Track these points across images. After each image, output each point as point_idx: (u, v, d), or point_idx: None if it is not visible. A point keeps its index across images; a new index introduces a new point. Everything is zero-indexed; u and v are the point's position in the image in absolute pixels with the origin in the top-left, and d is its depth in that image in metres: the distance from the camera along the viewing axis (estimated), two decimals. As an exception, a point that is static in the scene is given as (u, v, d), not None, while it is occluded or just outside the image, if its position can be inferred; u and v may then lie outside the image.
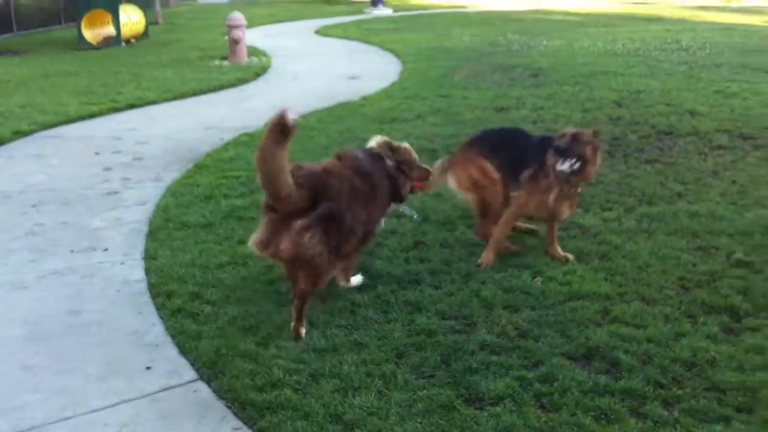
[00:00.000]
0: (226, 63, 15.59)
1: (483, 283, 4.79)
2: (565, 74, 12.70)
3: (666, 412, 3.45)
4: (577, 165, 4.85)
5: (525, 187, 5.09)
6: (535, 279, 4.87)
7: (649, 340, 4.06)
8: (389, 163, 4.73)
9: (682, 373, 3.76)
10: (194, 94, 12.23)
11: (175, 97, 11.85)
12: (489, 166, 5.27)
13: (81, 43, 19.17)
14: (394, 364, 3.88)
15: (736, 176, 6.93)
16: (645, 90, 11.04)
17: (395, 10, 33.02)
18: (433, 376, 3.78)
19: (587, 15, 27.30)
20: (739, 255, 5.14)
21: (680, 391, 3.60)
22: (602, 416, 3.42)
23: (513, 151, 5.26)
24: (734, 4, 30.82)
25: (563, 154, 4.86)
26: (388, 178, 4.70)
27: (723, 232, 5.57)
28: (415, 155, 4.94)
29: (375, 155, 4.73)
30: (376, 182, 4.56)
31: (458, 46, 17.60)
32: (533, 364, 3.87)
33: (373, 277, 4.90)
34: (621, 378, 3.72)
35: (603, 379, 3.71)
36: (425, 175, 4.99)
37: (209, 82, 13.12)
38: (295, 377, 3.74)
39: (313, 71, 15.06)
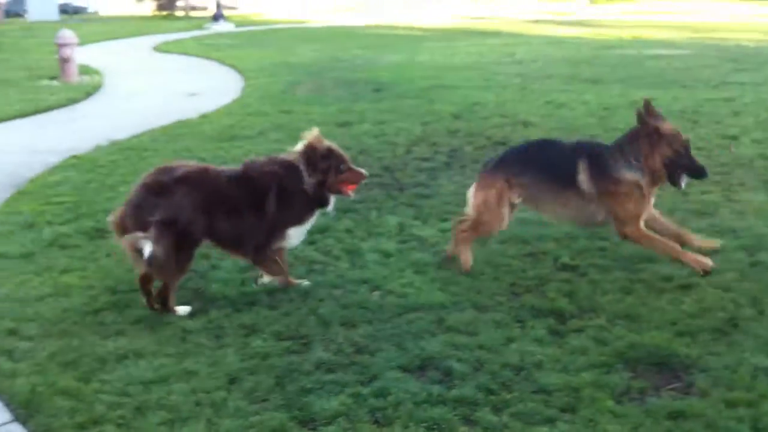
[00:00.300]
0: (55, 83, 14.90)
1: (321, 300, 4.75)
2: (406, 88, 12.95)
3: (496, 418, 3.51)
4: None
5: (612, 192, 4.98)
6: (374, 293, 4.87)
7: (480, 347, 4.14)
8: (304, 173, 4.74)
9: (512, 378, 3.85)
10: (20, 116, 11.54)
11: (1, 120, 11.15)
12: (507, 190, 5.18)
13: None
14: (226, 390, 3.76)
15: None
16: (481, 102, 11.42)
17: (237, 26, 32.75)
18: (266, 400, 3.69)
19: (429, 30, 28.07)
20: (565, 259, 5.36)
21: (509, 396, 3.68)
22: (434, 426, 3.44)
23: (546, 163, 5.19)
24: (565, 18, 32.55)
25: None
26: (296, 188, 4.71)
27: (550, 237, 5.80)
28: (346, 157, 4.93)
29: (284, 165, 4.77)
30: (261, 194, 4.63)
31: (301, 62, 17.62)
32: (368, 379, 3.85)
33: (206, 302, 4.75)
34: (454, 387, 3.76)
35: (436, 389, 3.74)
36: (357, 178, 4.93)
37: (36, 103, 12.45)
38: (118, 412, 3.55)
39: (149, 89, 14.65)
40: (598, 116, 10.21)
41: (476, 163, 8.05)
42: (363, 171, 5.00)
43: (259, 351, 4.12)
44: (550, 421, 3.48)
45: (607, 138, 8.83)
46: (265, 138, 9.41)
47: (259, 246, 4.80)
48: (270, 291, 4.90)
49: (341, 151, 4.95)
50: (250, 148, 8.79)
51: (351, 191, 5.01)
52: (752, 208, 6.25)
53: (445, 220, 6.26)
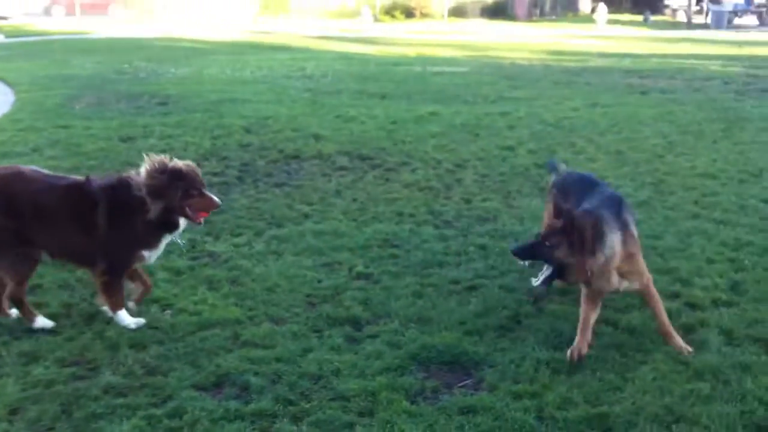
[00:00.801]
0: None
1: (108, 323, 4.51)
2: (194, 101, 12.66)
3: (295, 427, 3.51)
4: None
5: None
6: (165, 312, 4.70)
7: (278, 360, 4.12)
8: (143, 192, 4.36)
9: (310, 387, 3.86)
10: None
11: None
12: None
13: None
14: (7, 422, 3.49)
15: (357, 195, 7.40)
16: (273, 116, 11.38)
17: (7, 36, 30.55)
18: (52, 429, 3.46)
19: (217, 43, 27.62)
20: (360, 268, 5.46)
21: (308, 405, 3.70)
22: (234, 442, 3.38)
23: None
24: (350, 35, 33.32)
25: None
26: (129, 207, 4.38)
27: (345, 247, 5.89)
28: (199, 181, 4.50)
29: (120, 180, 4.47)
30: (88, 207, 4.37)
31: (80, 74, 16.70)
32: (162, 400, 3.71)
33: (-21, 330, 4.36)
34: (251, 401, 3.72)
35: (233, 404, 3.67)
36: (208, 205, 4.52)
37: None
38: None
39: None
40: (386, 129, 10.51)
41: (269, 177, 8.06)
42: (216, 199, 4.58)
43: (42, 379, 3.86)
44: (349, 426, 3.53)
45: (395, 150, 9.17)
46: (40, 155, 8.81)
47: (109, 267, 4.46)
48: (53, 315, 4.59)
49: (196, 174, 4.52)
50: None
51: (201, 218, 4.58)
52: (529, 213, 6.69)
53: (238, 234, 6.18)
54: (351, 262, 5.59)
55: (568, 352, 4.11)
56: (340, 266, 5.54)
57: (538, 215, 6.61)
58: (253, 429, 3.49)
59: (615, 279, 4.19)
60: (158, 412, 3.58)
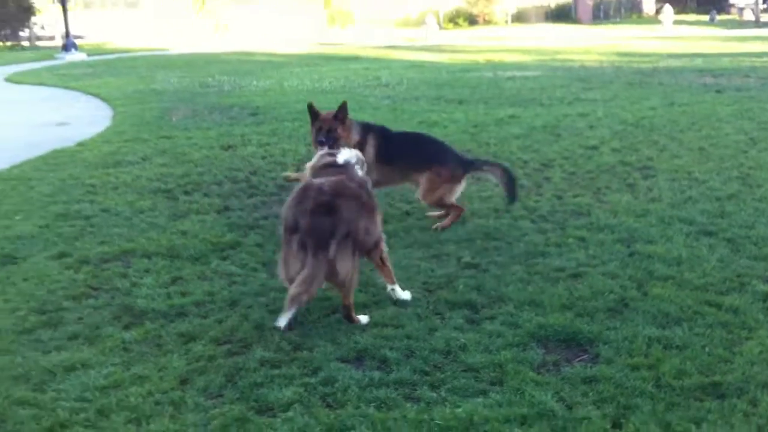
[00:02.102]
0: None
1: (250, 307, 4.99)
2: (281, 111, 13.25)
3: (435, 394, 3.90)
4: None
5: None
6: (296, 298, 5.15)
7: (408, 337, 4.53)
8: None
9: (441, 360, 4.26)
10: None
11: None
12: None
13: None
14: (180, 390, 3.96)
15: (451, 193, 7.78)
16: (358, 123, 11.86)
17: (89, 55, 31.91)
18: (221, 395, 3.92)
19: (289, 56, 28.45)
20: (467, 259, 5.85)
21: (442, 375, 4.09)
22: (383, 405, 3.79)
23: None
24: (416, 44, 33.81)
25: None
26: None
27: (450, 240, 6.28)
28: None
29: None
30: None
31: (168, 88, 17.54)
32: (312, 371, 4.15)
33: (137, 316, 4.89)
34: (392, 372, 4.12)
35: (376, 374, 4.09)
36: None
37: None
38: (82, 415, 3.69)
39: (12, 120, 14.22)
40: (469, 132, 10.90)
41: (366, 179, 8.50)
42: None
43: (203, 354, 4.34)
44: (483, 392, 3.91)
45: (480, 152, 9.54)
46: (150, 163, 9.45)
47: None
48: (197, 302, 5.09)
49: None
50: (139, 173, 8.83)
51: None
52: (621, 207, 6.99)
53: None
54: (458, 254, 5.98)
55: None
56: (449, 257, 5.93)
57: (631, 209, 6.93)
58: (398, 395, 3.89)
59: None
60: (312, 380, 4.02)
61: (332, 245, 4.45)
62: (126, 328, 4.72)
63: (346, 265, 4.54)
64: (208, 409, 3.77)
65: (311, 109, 6.67)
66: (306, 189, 4.73)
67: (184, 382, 4.06)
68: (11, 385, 4.01)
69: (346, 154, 5.28)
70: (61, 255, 6.05)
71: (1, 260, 5.95)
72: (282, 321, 4.38)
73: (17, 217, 7.12)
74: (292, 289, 4.39)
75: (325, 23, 47.84)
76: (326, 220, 4.48)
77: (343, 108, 6.64)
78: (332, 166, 5.17)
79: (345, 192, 4.72)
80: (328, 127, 6.54)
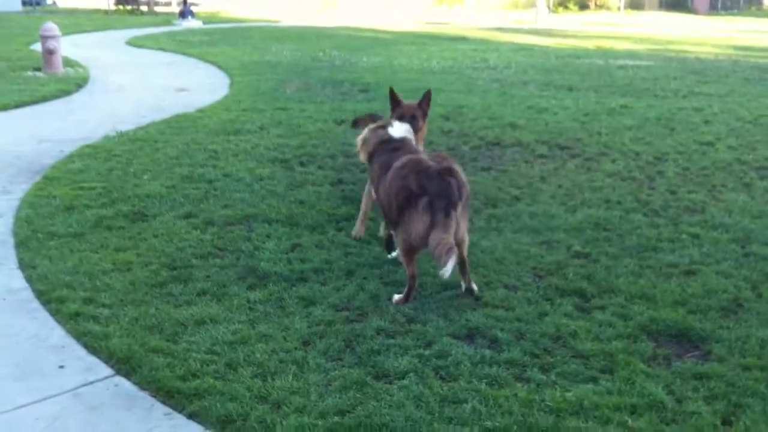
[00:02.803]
0: (40, 74, 14.99)
1: (365, 278, 5.21)
2: (392, 89, 13.40)
3: (545, 377, 4.02)
4: None
5: None
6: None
7: (518, 320, 4.64)
8: None
9: (551, 345, 4.36)
10: (17, 106, 11.75)
11: (-2, 109, 11.35)
12: None
13: None
14: (303, 351, 4.20)
15: (561, 181, 7.81)
16: (467, 105, 11.96)
17: (205, 23, 32.86)
18: (340, 359, 4.15)
19: (396, 33, 28.59)
20: (577, 248, 5.90)
21: (552, 359, 4.20)
22: (494, 382, 3.94)
23: None
24: (525, 26, 33.41)
25: None
26: None
27: (560, 228, 6.33)
28: None
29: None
30: None
31: (281, 60, 17.98)
32: (426, 344, 4.33)
33: (260, 278, 5.17)
34: (502, 351, 4.26)
35: (488, 353, 4.23)
36: None
37: (30, 93, 12.63)
38: (212, 367, 3.97)
39: (136, 83, 14.87)
40: (580, 121, 10.82)
41: (475, 161, 8.61)
42: None
43: (323, 319, 4.57)
44: (593, 380, 4.00)
45: (591, 141, 9.49)
46: (267, 132, 9.79)
47: None
48: (317, 269, 5.34)
49: None
50: (258, 142, 9.17)
51: None
52: (737, 207, 6.88)
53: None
54: (568, 242, 6.03)
55: None
56: (558, 245, 5.99)
57: (747, 209, 6.81)
58: (509, 374, 4.02)
59: None
60: (426, 352, 4.20)
61: (459, 205, 4.71)
62: (250, 288, 5.01)
63: (466, 225, 4.90)
64: (329, 370, 4.00)
65: (392, 95, 6.34)
66: (416, 160, 5.01)
67: (306, 343, 4.31)
68: (146, 334, 4.34)
69: (400, 129, 5.53)
70: (188, 215, 6.41)
71: (133, 217, 6.37)
72: (448, 269, 4.47)
73: (145, 177, 7.55)
74: (444, 242, 4.51)
75: (433, 2, 47.71)
76: (453, 181, 4.74)
77: (427, 97, 6.32)
78: (390, 141, 5.44)
79: (451, 160, 5.02)
80: (411, 115, 6.17)
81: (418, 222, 4.66)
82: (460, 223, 4.77)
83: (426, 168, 4.85)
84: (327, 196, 7.07)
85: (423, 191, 4.70)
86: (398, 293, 4.93)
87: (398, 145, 5.39)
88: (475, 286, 5.04)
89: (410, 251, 4.83)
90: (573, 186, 7.64)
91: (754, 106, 12.23)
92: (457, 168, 4.92)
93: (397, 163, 5.06)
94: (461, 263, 4.94)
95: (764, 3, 50.68)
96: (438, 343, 4.31)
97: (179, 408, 3.65)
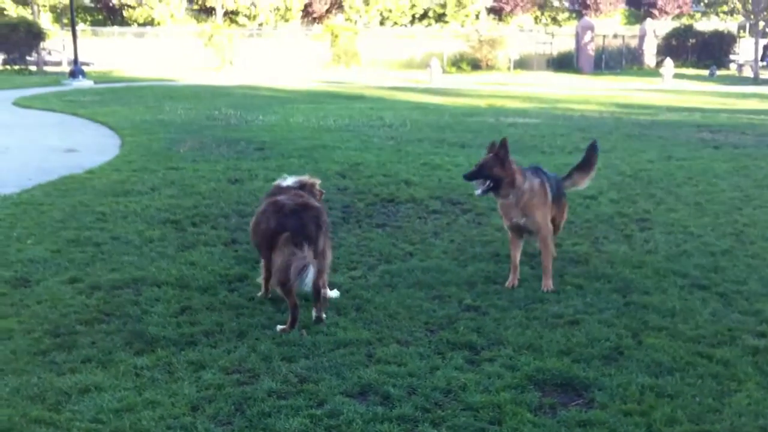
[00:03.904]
0: None
1: (257, 339, 5.16)
2: (288, 147, 13.51)
3: (436, 431, 4.06)
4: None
5: None
6: (302, 332, 5.33)
7: (410, 375, 4.69)
8: None
9: (442, 399, 4.42)
10: None
11: None
12: None
13: None
14: (191, 416, 4.12)
15: (453, 236, 7.99)
16: (363, 162, 12.13)
17: (96, 82, 32.31)
18: (230, 422, 4.08)
19: (294, 92, 28.84)
20: (468, 301, 6.03)
21: (443, 413, 4.25)
22: (386, 440, 3.96)
23: None
24: (420, 86, 34.29)
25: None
26: None
27: (452, 282, 6.46)
28: None
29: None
30: None
31: (175, 120, 17.84)
32: (318, 403, 4.32)
33: (148, 342, 5.05)
34: (394, 407, 4.28)
35: (380, 409, 4.25)
36: None
37: None
38: (97, 437, 3.84)
39: (21, 144, 14.47)
40: (471, 177, 11.11)
41: (370, 218, 8.72)
42: None
43: (212, 383, 4.50)
44: (482, 431, 4.07)
45: (483, 197, 9.75)
46: (159, 194, 9.65)
47: None
48: (207, 332, 5.26)
49: None
50: (148, 203, 9.03)
51: None
52: (618, 258, 7.19)
53: (353, 268, 6.81)
54: (459, 296, 6.16)
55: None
56: (450, 299, 6.11)
57: (628, 260, 7.13)
58: (400, 429, 4.05)
59: (517, 212, 6.36)
60: (318, 412, 4.19)
61: (321, 234, 5.31)
62: (138, 353, 4.89)
63: (329, 254, 5.57)
64: (218, 435, 3.92)
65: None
66: (273, 201, 5.54)
67: (194, 408, 4.22)
68: (28, 404, 4.17)
69: (289, 180, 5.99)
70: (73, 280, 6.22)
71: (15, 283, 6.13)
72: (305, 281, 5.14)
73: (29, 241, 7.30)
74: (297, 265, 5.12)
75: (330, 62, 48.45)
76: (309, 215, 5.33)
77: (503, 145, 6.40)
78: (280, 188, 5.90)
79: (304, 197, 5.64)
80: (481, 163, 6.44)
81: (283, 255, 5.14)
82: (326, 251, 5.39)
83: (282, 207, 5.33)
84: (220, 257, 7.01)
85: (283, 228, 5.21)
86: (282, 324, 5.30)
87: (275, 191, 5.83)
88: (324, 315, 5.52)
89: (285, 284, 5.21)
90: (464, 240, 7.83)
91: (635, 161, 12.88)
92: (313, 203, 5.52)
93: (259, 209, 5.63)
94: (316, 291, 5.38)
95: (645, 63, 53.69)
96: (330, 402, 4.31)
97: (58, 483, 3.50)
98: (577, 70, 48.80)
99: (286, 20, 58.83)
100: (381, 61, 49.43)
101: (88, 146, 14.10)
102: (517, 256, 6.55)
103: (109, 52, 47.63)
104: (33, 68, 41.81)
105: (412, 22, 63.72)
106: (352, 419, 4.12)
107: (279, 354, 4.93)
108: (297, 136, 15.07)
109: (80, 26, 43.22)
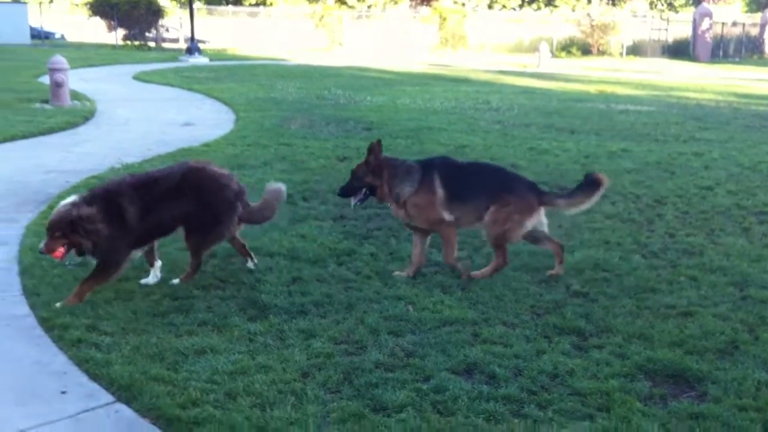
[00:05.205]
0: (48, 106, 15.18)
1: (365, 312, 5.25)
2: (394, 128, 13.58)
3: (542, 413, 4.04)
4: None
5: None
6: (408, 308, 5.39)
7: (516, 357, 4.68)
8: None
9: (548, 382, 4.39)
10: (24, 137, 11.92)
11: (4, 140, 11.51)
12: None
13: None
14: (301, 382, 4.24)
15: (560, 221, 7.82)
16: (469, 145, 12.09)
17: (211, 59, 33.23)
18: (339, 391, 4.18)
19: (399, 74, 28.90)
20: (576, 287, 5.94)
21: (549, 396, 4.22)
22: (491, 418, 3.96)
23: None
24: (527, 70, 33.76)
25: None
26: None
27: (559, 267, 6.38)
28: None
29: None
30: None
31: (286, 98, 18.19)
32: (424, 378, 4.36)
33: (261, 309, 5.22)
34: (500, 387, 4.29)
35: (485, 388, 4.26)
36: None
37: (37, 125, 12.81)
38: (212, 396, 4.01)
39: (142, 116, 15.04)
40: (580, 163, 10.93)
41: (476, 200, 8.67)
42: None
43: (322, 351, 4.61)
44: (590, 417, 4.03)
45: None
46: (271, 168, 9.89)
47: None
48: (317, 302, 5.39)
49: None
50: (261, 177, 9.24)
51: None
52: (735, 251, 6.93)
53: (460, 249, 6.79)
54: (566, 281, 6.08)
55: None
56: (557, 284, 6.03)
57: (745, 253, 6.86)
58: (506, 410, 4.05)
59: (402, 213, 6.07)
60: (423, 386, 4.23)
61: None
62: (251, 319, 5.06)
63: None
64: (327, 402, 4.03)
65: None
66: None
67: (305, 375, 4.34)
68: (147, 362, 4.38)
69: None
70: (191, 247, 6.46)
71: (137, 247, 6.42)
72: None
73: (149, 209, 7.61)
74: None
75: (438, 44, 48.28)
76: None
77: (371, 150, 6.14)
78: None
79: None
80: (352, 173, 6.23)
81: None
82: None
83: None
84: (329, 231, 7.14)
85: None
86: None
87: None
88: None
89: None
90: (572, 227, 7.70)
91: (754, 153, 12.34)
92: None
93: None
94: None
95: (765, 52, 51.20)
96: (436, 378, 4.35)
97: (178, 436, 3.68)
98: (692, 58, 46.96)
99: (395, 2, 58.89)
100: (488, 45, 48.90)
101: (204, 120, 14.57)
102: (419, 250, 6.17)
103: (223, 31, 48.94)
104: (152, 44, 43.35)
105: (521, 5, 62.72)
106: (458, 395, 4.15)
107: (386, 328, 5.00)
108: (403, 117, 15.13)
109: (196, 4, 44.44)
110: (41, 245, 5.21)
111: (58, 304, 5.12)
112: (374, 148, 6.10)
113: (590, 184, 6.25)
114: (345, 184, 6.23)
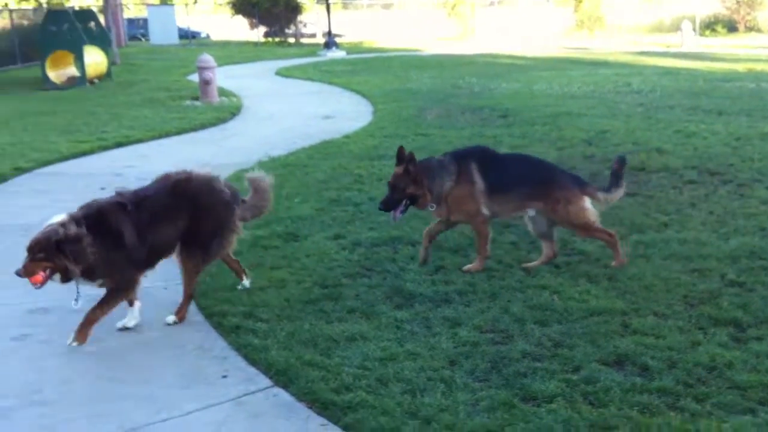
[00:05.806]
0: (198, 103, 15.94)
1: (509, 301, 5.24)
2: (531, 115, 13.40)
3: (699, 407, 3.91)
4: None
5: None
6: (554, 297, 5.33)
7: (669, 348, 4.54)
8: None
9: (705, 375, 4.24)
10: (177, 133, 12.60)
11: (160, 136, 12.23)
12: None
13: (45, 83, 19.37)
14: (449, 370, 4.29)
15: (712, 208, 7.54)
16: (610, 130, 11.76)
17: (348, 53, 33.83)
18: (487, 379, 4.20)
19: (534, 59, 28.44)
20: (731, 276, 5.68)
21: (707, 389, 4.08)
22: (646, 410, 3.87)
23: None
24: (671, 51, 32.40)
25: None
26: None
27: (712, 256, 6.11)
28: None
29: None
30: None
31: (421, 88, 18.29)
32: (573, 369, 4.31)
33: (406, 298, 5.31)
34: (653, 379, 4.18)
35: (638, 380, 4.17)
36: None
37: (189, 121, 13.50)
38: (364, 381, 4.13)
39: (285, 111, 15.53)
40: (731, 146, 10.42)
41: (620, 187, 8.44)
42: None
43: (468, 340, 4.65)
44: (752, 411, 3.87)
45: (744, 167, 9.09)
46: (409, 158, 9.97)
47: None
48: (460, 291, 5.42)
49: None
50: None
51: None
52: None
53: (603, 237, 6.66)
54: (721, 270, 5.82)
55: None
56: (711, 273, 5.79)
57: None
58: (661, 402, 3.95)
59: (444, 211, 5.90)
60: (573, 377, 4.19)
61: None
62: (397, 307, 5.16)
63: None
64: (476, 390, 4.06)
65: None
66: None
67: (452, 362, 4.39)
68: (302, 348, 4.57)
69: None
70: (337, 236, 6.67)
71: (286, 237, 6.69)
72: None
73: (296, 200, 7.90)
74: None
75: (574, 27, 47.11)
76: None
77: (409, 159, 5.95)
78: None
79: None
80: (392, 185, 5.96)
81: None
82: None
83: None
84: (469, 221, 7.14)
85: None
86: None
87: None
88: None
89: None
90: (725, 213, 7.36)
91: None
92: None
93: None
94: None
95: None
96: (586, 369, 4.29)
97: (334, 419, 3.82)
98: None
99: (528, -13, 57.90)
100: (627, 25, 47.24)
101: (344, 113, 14.89)
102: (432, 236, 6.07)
103: (358, 24, 49.68)
104: (291, 40, 44.59)
105: (661, -17, 60.14)
106: (610, 387, 4.07)
107: (531, 317, 4.97)
108: (540, 103, 14.90)
109: (332, -1, 45.43)
110: (19, 267, 4.52)
111: (69, 342, 4.71)
112: (409, 156, 5.86)
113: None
114: (386, 198, 5.91)
